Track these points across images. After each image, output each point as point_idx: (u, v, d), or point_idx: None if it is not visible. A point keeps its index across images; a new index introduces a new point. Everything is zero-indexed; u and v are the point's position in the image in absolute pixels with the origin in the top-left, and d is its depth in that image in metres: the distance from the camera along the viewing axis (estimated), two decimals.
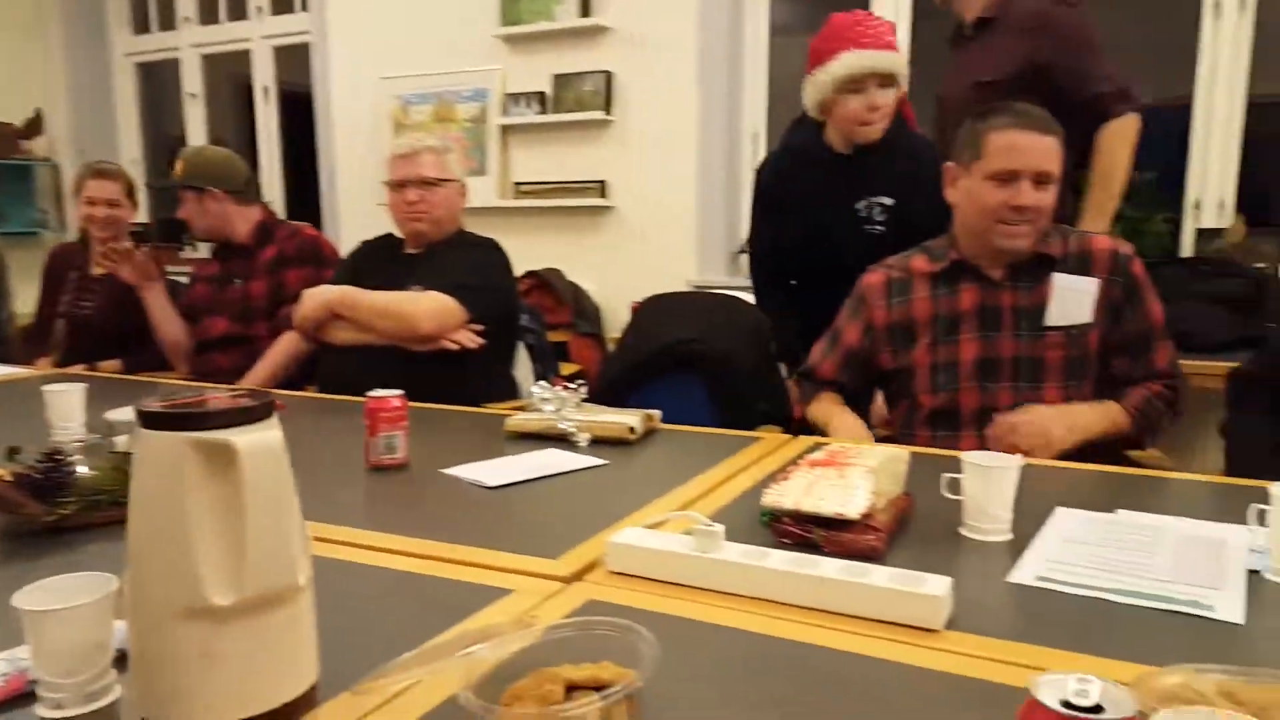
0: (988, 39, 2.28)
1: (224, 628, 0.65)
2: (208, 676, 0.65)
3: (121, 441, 1.38)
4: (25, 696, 0.73)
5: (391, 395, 1.43)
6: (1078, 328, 1.55)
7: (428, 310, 2.07)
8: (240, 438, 0.64)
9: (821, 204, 2.13)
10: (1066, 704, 0.53)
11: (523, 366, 2.45)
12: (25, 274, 4.86)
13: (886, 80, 2.00)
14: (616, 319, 3.86)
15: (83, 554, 1.06)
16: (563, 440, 1.57)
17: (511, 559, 1.03)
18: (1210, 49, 3.02)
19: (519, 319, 2.40)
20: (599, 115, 3.80)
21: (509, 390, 2.32)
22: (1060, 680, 0.54)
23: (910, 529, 1.09)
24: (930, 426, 1.63)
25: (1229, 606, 0.88)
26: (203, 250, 4.40)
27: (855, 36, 1.99)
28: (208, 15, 5.15)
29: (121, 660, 0.73)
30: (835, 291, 1.82)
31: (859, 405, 1.76)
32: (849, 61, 1.97)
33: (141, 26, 5.38)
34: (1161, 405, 1.56)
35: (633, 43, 3.77)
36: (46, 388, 1.61)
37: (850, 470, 1.02)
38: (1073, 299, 1.54)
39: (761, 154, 3.74)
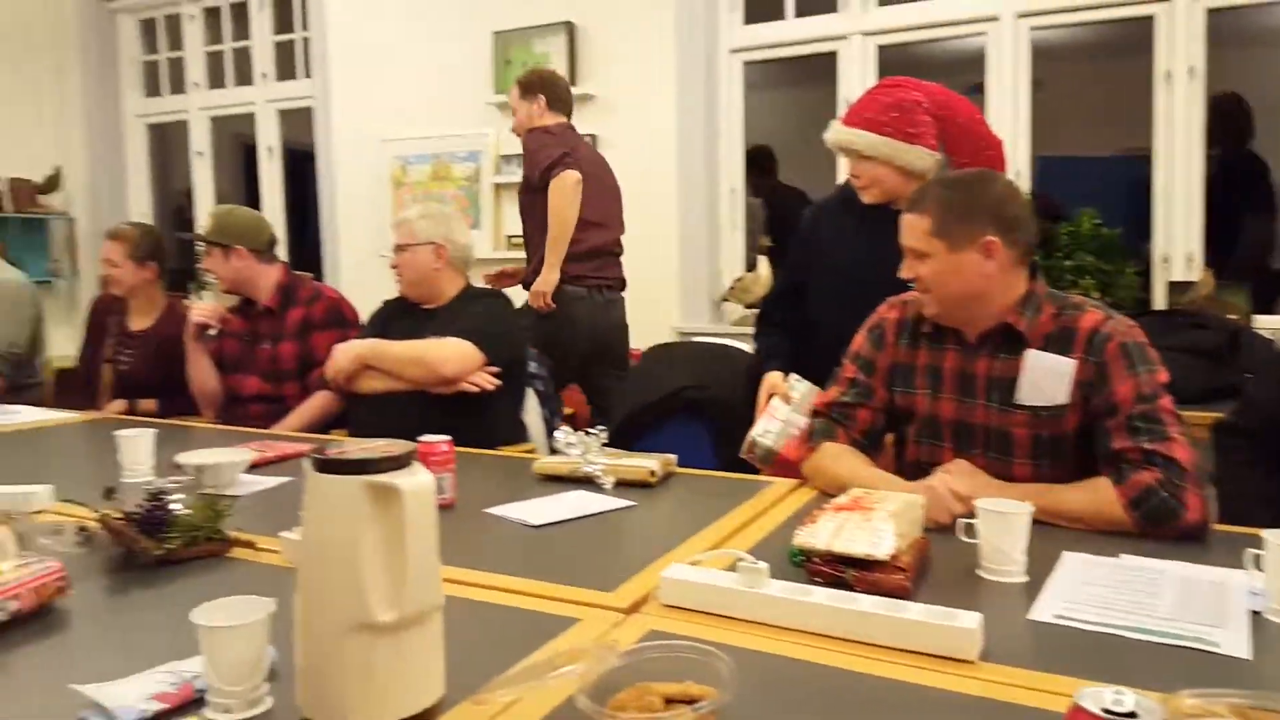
0: None
1: (382, 641, 0.79)
2: (367, 685, 0.79)
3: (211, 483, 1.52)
4: (193, 703, 0.86)
5: (440, 440, 1.56)
6: (1049, 409, 1.49)
7: (450, 355, 2.24)
8: (402, 480, 0.78)
9: (849, 250, 2.12)
10: (1107, 710, 0.66)
11: (532, 410, 2.61)
12: (48, 322, 4.98)
13: (863, 154, 1.99)
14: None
15: (188, 582, 1.20)
16: (588, 482, 1.71)
17: (571, 591, 1.17)
18: (1165, 115, 3.24)
19: (528, 364, 2.57)
20: None
21: (520, 433, 2.48)
22: (1099, 693, 0.68)
23: (930, 570, 1.22)
24: (913, 474, 1.60)
25: (1234, 642, 0.97)
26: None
27: (851, 107, 2.07)
28: (215, 80, 5.35)
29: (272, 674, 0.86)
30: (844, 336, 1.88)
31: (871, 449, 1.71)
32: (829, 130, 2.07)
33: (153, 90, 5.57)
34: (1163, 496, 1.34)
35: (615, 109, 4.02)
36: (120, 432, 1.75)
37: (874, 514, 1.17)
38: (1046, 378, 1.49)
39: (740, 207, 4.04)
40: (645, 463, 1.73)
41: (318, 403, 2.55)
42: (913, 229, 1.56)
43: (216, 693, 0.84)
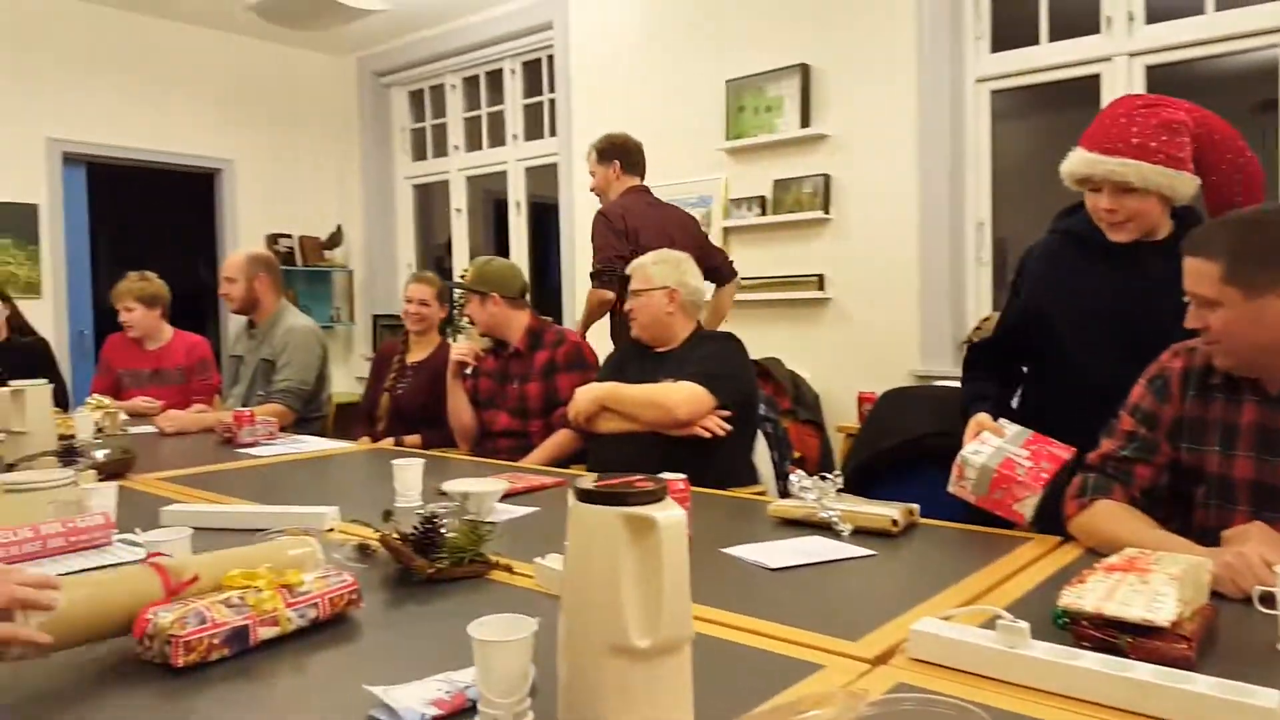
0: None
1: (637, 667, 0.81)
2: (622, 706, 0.82)
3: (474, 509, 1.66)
4: (465, 711, 0.93)
5: (676, 478, 1.60)
6: None
7: (683, 399, 2.30)
8: (659, 514, 0.82)
9: (1099, 292, 1.90)
10: None
11: (761, 453, 2.60)
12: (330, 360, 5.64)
13: (1132, 186, 1.73)
14: (837, 406, 3.96)
15: (455, 599, 1.30)
16: (824, 528, 1.68)
17: (814, 637, 1.15)
18: None
19: (759, 406, 2.58)
20: (818, 215, 4.03)
21: (750, 475, 2.49)
22: None
23: (1218, 642, 1.09)
24: (1201, 540, 1.44)
25: None
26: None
27: (1093, 132, 1.81)
28: (473, 142, 5.88)
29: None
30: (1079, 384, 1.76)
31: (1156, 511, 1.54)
32: (1073, 160, 1.81)
33: (419, 154, 6.22)
34: None
35: (851, 147, 3.97)
36: (395, 461, 1.94)
37: (1152, 576, 1.06)
38: None
39: (988, 242, 3.83)
40: (886, 511, 1.68)
41: (560, 439, 2.70)
42: (1200, 275, 1.42)
43: (487, 703, 0.90)
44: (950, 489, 1.74)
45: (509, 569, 1.41)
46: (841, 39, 3.99)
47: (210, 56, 5.52)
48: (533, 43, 5.34)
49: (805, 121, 4.07)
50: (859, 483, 2.57)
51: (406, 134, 6.24)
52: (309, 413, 3.37)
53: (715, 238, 4.38)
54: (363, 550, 1.47)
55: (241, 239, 5.65)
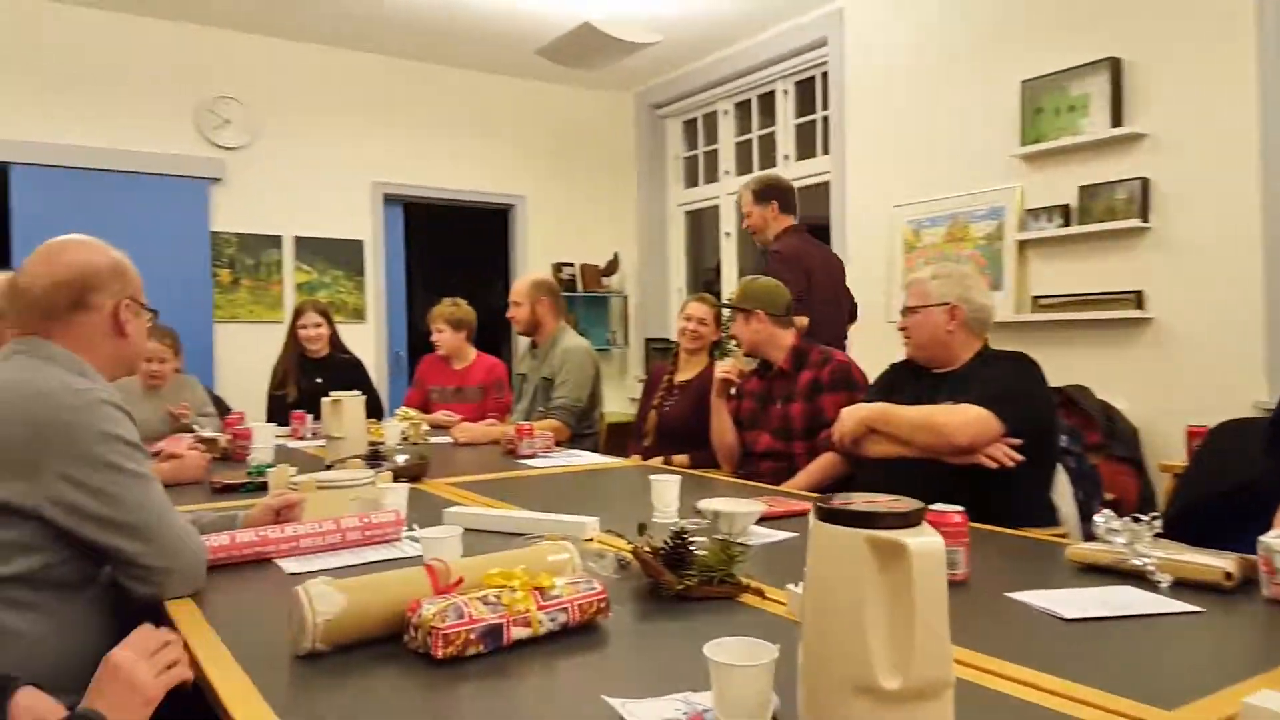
0: None
1: (886, 710, 0.73)
2: None
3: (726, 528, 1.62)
4: None
5: (951, 510, 1.46)
6: None
7: (963, 422, 2.09)
8: (911, 539, 0.73)
9: None
10: None
11: (1062, 491, 2.31)
12: (604, 381, 5.94)
13: None
14: (1160, 442, 3.45)
15: (703, 619, 1.26)
16: (1137, 578, 1.45)
17: (1115, 700, 0.98)
18: None
19: (1057, 437, 2.29)
20: (1134, 223, 3.55)
21: (1047, 515, 2.21)
22: None
23: None
24: None
25: None
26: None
27: None
28: (743, 166, 5.92)
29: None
30: None
31: None
32: None
33: (691, 181, 6.37)
34: None
35: (1176, 147, 3.47)
36: (654, 477, 1.96)
37: None
38: None
39: None
40: (1218, 562, 1.41)
41: (824, 463, 2.59)
42: None
43: None
44: (1264, 592, 1.42)
45: (760, 593, 1.35)
46: (1158, 28, 3.53)
47: (505, 101, 6.04)
48: (806, 61, 5.29)
49: (1116, 120, 3.64)
50: (1183, 529, 2.20)
51: (680, 162, 6.43)
52: (582, 429, 3.53)
53: (1008, 252, 4.05)
54: (620, 562, 1.48)
55: (530, 267, 6.10)
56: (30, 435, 1.22)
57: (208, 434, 2.86)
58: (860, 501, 0.79)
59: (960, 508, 1.48)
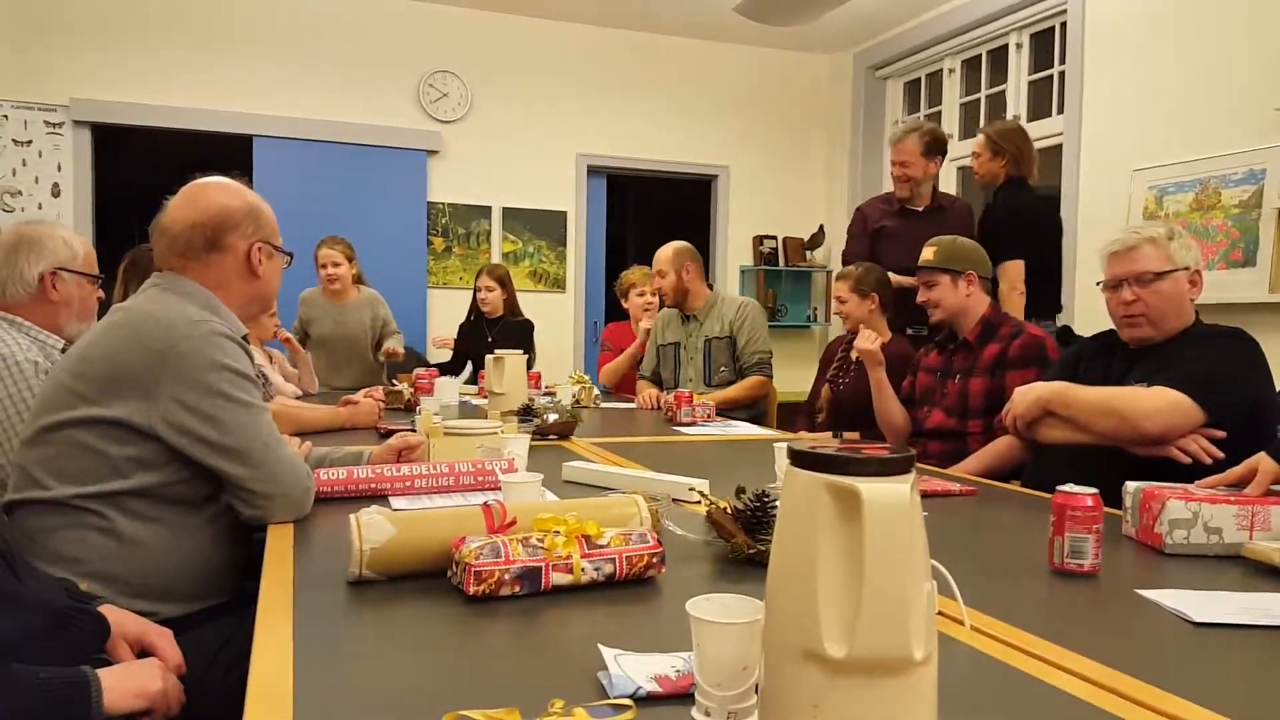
0: None
1: (834, 682, 0.62)
2: None
3: None
4: (687, 696, 0.82)
5: (1085, 492, 1.27)
6: None
7: (1153, 408, 1.81)
8: (866, 486, 0.62)
9: None
10: None
11: None
12: (799, 361, 5.78)
13: None
14: None
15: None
16: None
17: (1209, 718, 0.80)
18: None
19: (1276, 432, 1.92)
20: None
21: None
22: None
23: None
24: None
25: None
26: None
27: None
28: (969, 129, 5.48)
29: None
30: None
31: None
32: None
33: None
34: None
35: None
36: (776, 445, 1.86)
37: None
38: None
39: None
40: None
41: (1000, 448, 2.33)
42: None
43: (701, 691, 0.79)
44: None
45: None
46: None
47: (710, 67, 5.98)
48: (1044, 10, 4.80)
49: None
50: None
51: (899, 127, 6.08)
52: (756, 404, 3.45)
53: (1267, 222, 3.45)
54: (710, 524, 1.42)
55: (731, 240, 6.03)
56: (148, 360, 1.36)
57: (396, 386, 3.08)
58: (837, 444, 0.68)
59: (1094, 490, 1.28)
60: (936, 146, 3.55)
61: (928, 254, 2.64)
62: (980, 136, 3.60)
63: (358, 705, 0.81)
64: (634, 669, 0.86)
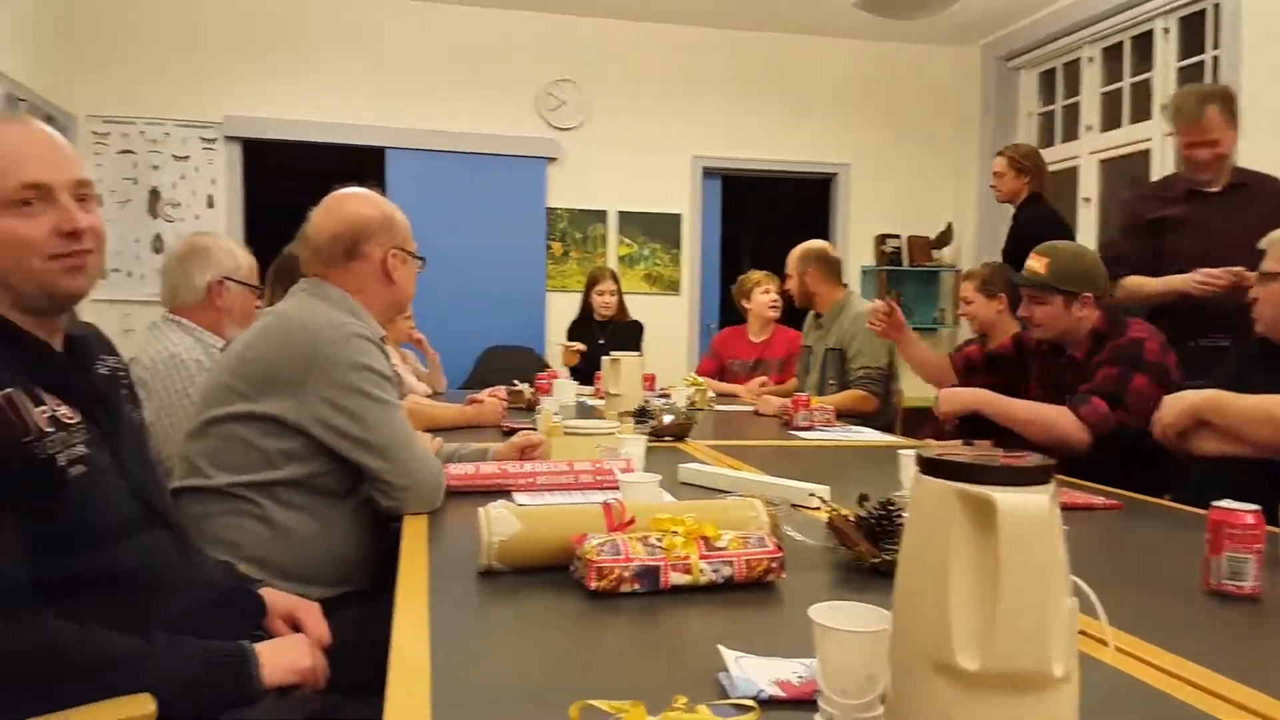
0: None
1: (967, 695, 0.61)
2: None
3: None
4: (809, 702, 0.81)
5: (1244, 508, 1.19)
6: None
7: None
8: (1001, 494, 0.60)
9: None
10: None
11: None
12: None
13: None
14: None
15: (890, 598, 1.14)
16: None
17: None
18: None
19: None
20: None
21: None
22: None
23: None
24: None
25: None
26: None
27: None
28: (1110, 120, 5.20)
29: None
30: None
31: None
32: None
33: (1045, 140, 5.71)
34: None
35: None
36: (903, 453, 1.81)
37: None
38: None
39: None
40: None
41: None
42: None
43: (824, 698, 0.78)
44: None
45: None
46: None
47: (827, 64, 5.87)
48: None
49: None
50: None
51: (1033, 120, 5.81)
52: (886, 397, 3.36)
53: None
54: (830, 530, 1.39)
55: (851, 239, 5.90)
56: (297, 361, 1.45)
57: (517, 387, 3.17)
58: (975, 452, 0.66)
59: (1257, 507, 1.19)
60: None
61: (1037, 265, 2.39)
62: (1002, 158, 3.78)
63: (489, 687, 0.84)
64: (755, 671, 0.86)
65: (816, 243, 3.64)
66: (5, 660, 0.96)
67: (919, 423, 3.63)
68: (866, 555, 1.24)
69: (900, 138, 5.98)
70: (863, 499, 1.41)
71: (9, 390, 1.02)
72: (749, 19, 5.62)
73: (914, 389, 4.00)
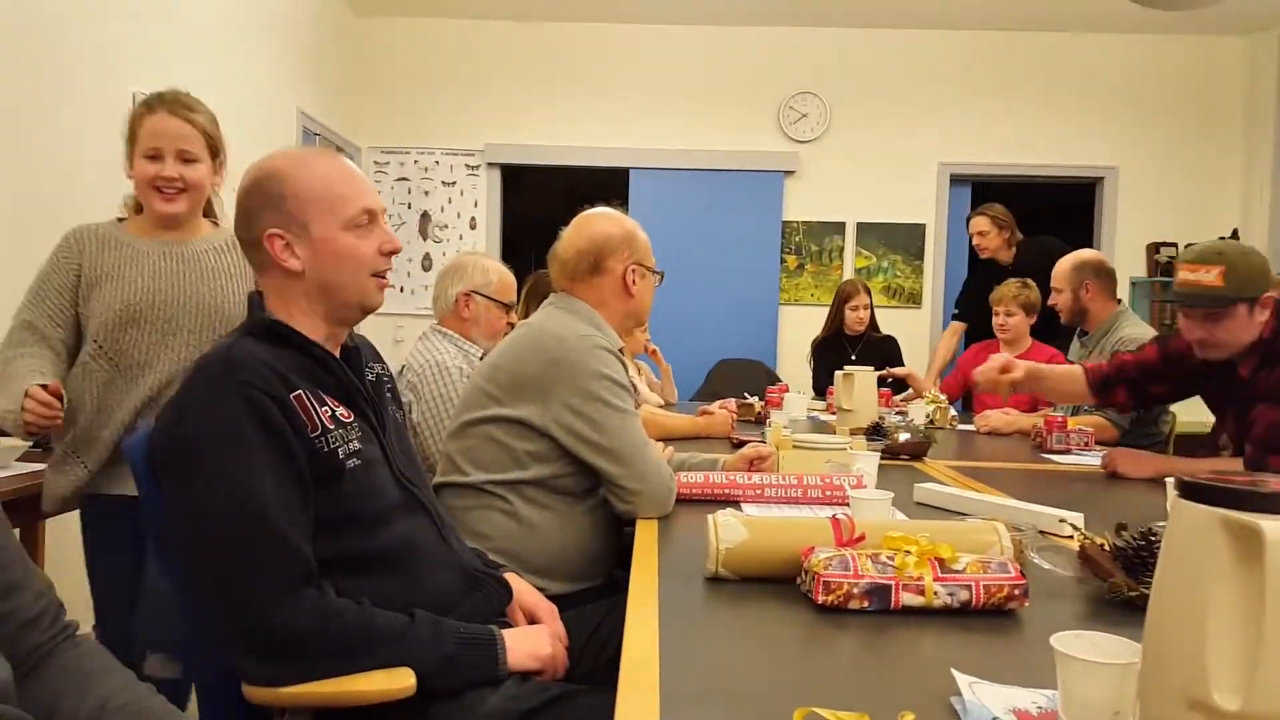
0: None
1: None
2: None
3: None
4: None
5: None
6: None
7: None
8: (1270, 524, 0.54)
9: None
10: None
11: None
12: None
13: None
14: None
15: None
16: None
17: None
18: None
19: None
20: None
21: None
22: None
23: None
24: None
25: None
26: None
27: None
28: None
29: None
30: None
31: None
32: None
33: None
34: None
35: None
36: (1169, 479, 1.65)
37: None
38: None
39: None
40: None
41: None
42: None
43: None
44: None
45: None
46: None
47: (1089, 61, 5.42)
48: None
49: None
50: None
51: None
52: (1140, 434, 3.04)
53: None
54: (1082, 559, 1.30)
55: (1120, 247, 5.39)
56: (544, 369, 1.56)
57: (747, 399, 3.20)
58: (1245, 477, 0.61)
59: None
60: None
61: (1209, 276, 2.03)
62: (981, 218, 4.28)
63: (715, 689, 0.87)
64: (991, 699, 0.83)
65: (1091, 253, 3.32)
66: (315, 629, 1.11)
67: (1192, 448, 3.25)
68: (1122, 587, 1.15)
69: (1177, 137, 5.40)
70: (1120, 528, 1.31)
71: (299, 391, 1.18)
72: (1000, 19, 5.31)
73: (1187, 412, 3.59)
